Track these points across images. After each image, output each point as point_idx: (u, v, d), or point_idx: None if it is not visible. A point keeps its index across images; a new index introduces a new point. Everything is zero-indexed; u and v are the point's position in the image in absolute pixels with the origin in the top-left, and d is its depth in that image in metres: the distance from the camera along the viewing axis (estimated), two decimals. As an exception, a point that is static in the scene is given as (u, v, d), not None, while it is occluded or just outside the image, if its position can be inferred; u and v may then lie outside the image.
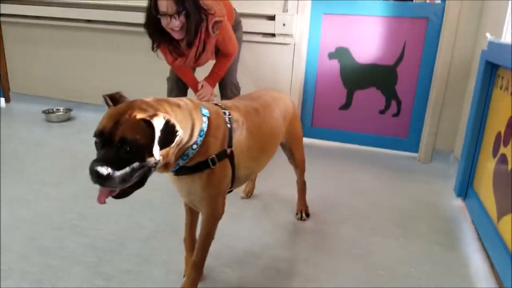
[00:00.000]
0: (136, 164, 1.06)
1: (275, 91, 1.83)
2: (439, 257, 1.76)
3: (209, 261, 1.45)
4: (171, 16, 1.98)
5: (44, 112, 3.38)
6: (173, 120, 1.09)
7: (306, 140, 3.21)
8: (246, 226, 1.93)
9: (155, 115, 1.07)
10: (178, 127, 1.10)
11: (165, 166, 1.19)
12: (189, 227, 1.54)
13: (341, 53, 2.92)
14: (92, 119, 3.51)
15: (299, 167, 1.98)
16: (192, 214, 1.53)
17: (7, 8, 3.50)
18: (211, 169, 1.27)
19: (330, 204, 2.20)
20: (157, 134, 1.05)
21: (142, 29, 3.15)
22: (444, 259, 1.76)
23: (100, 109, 3.62)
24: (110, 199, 1.11)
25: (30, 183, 2.22)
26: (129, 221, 1.88)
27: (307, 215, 2.03)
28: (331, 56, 2.95)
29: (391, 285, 1.56)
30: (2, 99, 3.79)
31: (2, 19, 3.57)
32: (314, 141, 3.21)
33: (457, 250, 1.83)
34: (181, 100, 1.25)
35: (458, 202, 2.27)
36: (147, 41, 3.24)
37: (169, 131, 1.08)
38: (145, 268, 1.55)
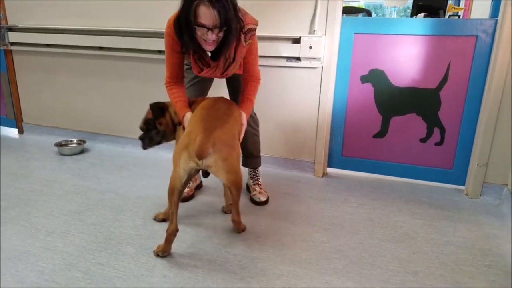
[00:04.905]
0: None
1: None
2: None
3: None
4: (209, 29, 1.72)
5: (56, 145, 3.22)
6: None
7: (336, 171, 2.97)
8: None
9: None
10: None
11: None
12: None
13: (375, 76, 2.62)
14: (106, 150, 3.32)
15: None
16: None
17: (16, 37, 3.37)
18: None
19: (368, 254, 1.89)
20: None
21: (156, 56, 2.99)
22: None
23: (114, 140, 3.47)
24: None
25: (34, 233, 2.01)
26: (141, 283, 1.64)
27: None
28: (364, 79, 2.65)
29: None
30: (16, 130, 3.68)
31: (13, 48, 3.45)
32: (344, 172, 2.93)
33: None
34: None
35: (524, 253, 1.93)
36: (161, 68, 3.06)
37: None
38: None
